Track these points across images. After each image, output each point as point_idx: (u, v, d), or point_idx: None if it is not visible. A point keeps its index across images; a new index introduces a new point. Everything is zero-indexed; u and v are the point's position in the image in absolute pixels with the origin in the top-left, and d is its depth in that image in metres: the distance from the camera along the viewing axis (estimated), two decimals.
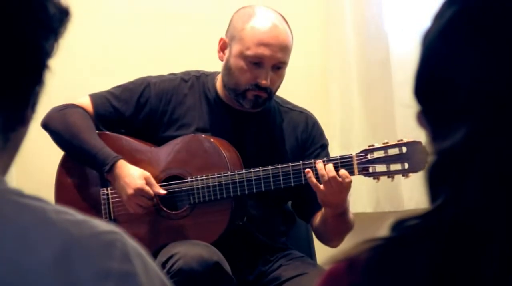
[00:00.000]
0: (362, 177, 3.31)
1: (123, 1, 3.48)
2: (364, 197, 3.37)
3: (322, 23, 3.44)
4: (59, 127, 2.61)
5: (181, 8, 3.45)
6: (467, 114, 0.87)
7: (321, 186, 2.37)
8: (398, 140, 2.43)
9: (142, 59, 3.42)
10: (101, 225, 0.91)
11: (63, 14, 0.94)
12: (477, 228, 0.85)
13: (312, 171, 2.40)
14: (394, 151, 2.42)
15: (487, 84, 0.87)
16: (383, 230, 3.37)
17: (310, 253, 2.82)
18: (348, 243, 3.03)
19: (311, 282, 2.45)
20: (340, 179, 2.36)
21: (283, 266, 2.59)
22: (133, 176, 2.51)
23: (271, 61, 2.50)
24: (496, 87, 0.87)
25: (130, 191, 2.50)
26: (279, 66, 2.52)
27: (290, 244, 2.73)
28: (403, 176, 2.43)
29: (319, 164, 2.39)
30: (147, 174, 2.53)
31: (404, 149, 2.41)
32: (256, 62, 2.50)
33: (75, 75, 3.31)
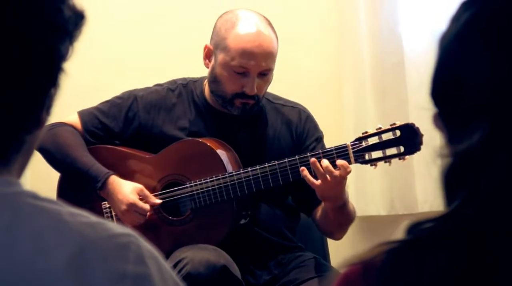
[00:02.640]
0: (375, 180, 3.33)
1: (127, 4, 3.49)
2: (378, 199, 3.36)
3: (336, 26, 3.43)
4: (49, 147, 2.60)
5: (183, 12, 3.46)
6: (484, 117, 0.87)
7: (318, 182, 2.37)
8: (391, 125, 2.42)
9: (148, 62, 3.42)
10: (116, 227, 0.91)
11: (79, 17, 0.95)
12: (494, 230, 0.85)
13: (307, 167, 2.40)
14: (388, 136, 2.41)
15: (503, 87, 0.87)
16: (398, 233, 3.38)
17: (324, 254, 2.82)
18: (363, 246, 3.03)
19: (325, 285, 2.44)
20: (336, 172, 2.35)
21: (297, 269, 2.59)
22: (125, 191, 2.51)
23: (256, 70, 2.48)
24: (511, 91, 0.86)
25: (124, 207, 2.50)
26: (265, 73, 2.51)
27: (304, 246, 2.72)
28: (399, 159, 2.42)
29: (312, 159, 2.39)
30: (140, 186, 2.54)
31: (398, 133, 2.40)
32: (241, 72, 2.49)
33: (86, 77, 3.32)
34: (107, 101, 2.68)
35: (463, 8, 0.92)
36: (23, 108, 0.91)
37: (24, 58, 0.90)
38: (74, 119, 2.67)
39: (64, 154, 2.59)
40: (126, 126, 2.63)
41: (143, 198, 2.53)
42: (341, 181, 2.37)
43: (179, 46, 3.42)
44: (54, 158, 2.62)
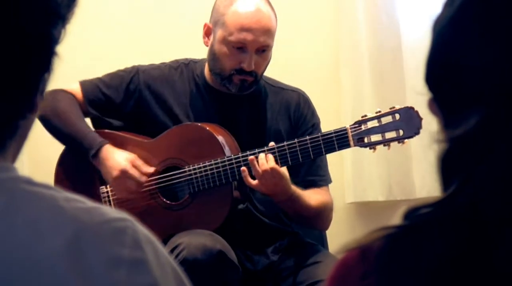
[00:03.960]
0: (373, 166, 3.32)
1: None
2: (376, 185, 3.37)
3: (334, 11, 3.43)
4: (47, 112, 2.61)
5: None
6: (479, 101, 0.87)
7: (254, 182, 2.43)
8: (391, 108, 2.42)
9: (144, 47, 3.41)
10: (112, 212, 0.91)
11: (71, 0, 0.94)
12: (491, 214, 0.85)
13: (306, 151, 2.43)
14: (387, 119, 2.42)
15: (498, 71, 0.86)
16: (395, 219, 3.39)
17: (322, 240, 2.82)
18: (361, 232, 3.04)
19: (323, 271, 2.45)
20: (271, 172, 2.40)
21: (294, 256, 2.59)
22: (117, 158, 2.52)
23: (254, 45, 2.49)
24: (507, 74, 0.86)
25: (115, 173, 2.51)
26: (263, 49, 2.52)
27: (302, 232, 2.73)
28: (398, 142, 2.42)
29: (251, 158, 2.43)
30: (133, 156, 2.54)
31: (397, 116, 2.41)
32: (239, 47, 2.50)
33: (81, 62, 3.31)
34: (109, 73, 2.69)
35: None
36: (17, 93, 0.91)
37: (16, 43, 0.89)
38: (75, 88, 2.68)
39: (61, 119, 2.61)
40: (126, 98, 2.64)
41: (136, 167, 2.53)
42: (277, 182, 2.41)
43: (179, 29, 3.42)
44: (50, 123, 2.62)
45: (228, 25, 2.50)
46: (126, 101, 2.64)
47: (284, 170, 2.43)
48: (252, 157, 2.42)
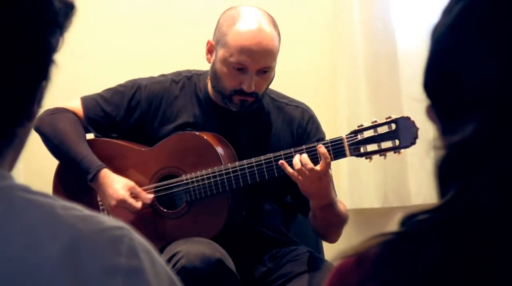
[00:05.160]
0: (369, 173, 3.33)
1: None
2: (372, 192, 3.37)
3: (330, 19, 3.43)
4: (48, 132, 2.61)
5: (181, 8, 3.45)
6: (477, 108, 0.87)
7: (298, 176, 2.38)
8: (387, 118, 2.42)
9: (143, 57, 3.41)
10: (109, 220, 0.91)
11: (69, 8, 0.94)
12: (488, 221, 0.85)
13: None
14: (384, 129, 2.41)
15: (496, 78, 0.87)
16: (391, 226, 3.39)
17: (317, 248, 2.82)
18: (356, 239, 3.03)
19: (319, 278, 2.44)
20: (312, 165, 2.35)
21: (291, 262, 2.59)
22: (116, 186, 2.51)
23: (254, 67, 2.47)
24: (505, 82, 0.86)
25: (113, 202, 2.51)
26: (264, 71, 2.50)
27: (298, 240, 2.72)
28: (395, 152, 2.42)
29: (296, 155, 2.39)
30: (131, 184, 2.54)
31: (394, 126, 2.40)
32: (239, 68, 2.48)
33: (79, 70, 3.31)
34: (110, 89, 2.68)
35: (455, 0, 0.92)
36: (14, 101, 0.91)
37: (14, 51, 0.89)
38: (76, 106, 2.67)
39: (61, 140, 2.59)
40: (127, 115, 2.62)
41: (134, 195, 2.52)
42: (320, 175, 2.36)
43: (182, 42, 3.42)
44: (51, 143, 2.62)
45: (229, 46, 2.47)
46: (127, 118, 2.63)
47: (325, 170, 2.37)
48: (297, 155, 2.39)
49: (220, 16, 2.57)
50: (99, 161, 2.55)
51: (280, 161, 2.41)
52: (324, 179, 2.38)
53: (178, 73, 2.69)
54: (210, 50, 2.56)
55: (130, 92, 2.63)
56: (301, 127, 2.62)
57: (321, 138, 2.61)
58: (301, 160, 2.37)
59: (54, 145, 2.61)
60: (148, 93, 2.63)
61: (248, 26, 2.48)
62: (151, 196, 2.55)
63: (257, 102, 2.54)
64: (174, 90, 2.63)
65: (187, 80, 2.65)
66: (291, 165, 2.40)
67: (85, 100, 2.67)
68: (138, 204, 2.52)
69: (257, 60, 2.46)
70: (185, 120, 2.60)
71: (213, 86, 2.57)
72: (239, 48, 2.46)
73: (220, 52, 2.50)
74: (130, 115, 2.62)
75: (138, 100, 2.62)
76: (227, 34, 2.48)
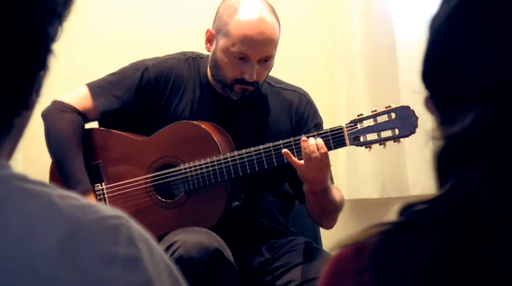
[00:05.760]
0: (367, 163, 3.33)
1: None
2: (370, 182, 3.37)
3: (328, 10, 3.43)
4: (51, 130, 2.61)
5: None
6: (476, 99, 0.87)
7: (300, 162, 2.38)
8: (386, 107, 2.42)
9: (144, 46, 3.41)
10: (106, 209, 0.91)
11: None
12: (487, 212, 0.85)
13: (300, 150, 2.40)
14: (383, 118, 2.42)
15: (494, 69, 0.87)
16: (389, 216, 3.39)
17: (315, 238, 2.82)
18: (354, 229, 3.04)
19: (318, 268, 2.45)
20: (318, 154, 2.35)
21: (289, 253, 2.59)
22: None
23: (256, 57, 2.48)
24: (504, 72, 0.86)
25: None
26: (266, 59, 2.51)
27: (296, 230, 2.73)
28: (394, 141, 2.43)
29: (303, 138, 2.39)
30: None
31: (393, 115, 2.41)
32: (241, 57, 2.48)
33: (78, 59, 3.31)
34: (116, 73, 2.66)
35: None
36: (12, 91, 0.90)
37: (11, 41, 0.89)
38: (84, 96, 2.64)
39: (59, 145, 2.60)
40: (138, 97, 2.61)
41: None
42: (323, 166, 2.36)
43: (177, 29, 3.42)
44: (50, 143, 2.62)
45: (231, 36, 2.48)
46: (138, 100, 2.61)
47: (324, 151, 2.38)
48: (304, 138, 2.39)
49: (220, 5, 2.57)
50: (88, 183, 2.54)
51: (284, 150, 2.40)
52: (323, 170, 2.38)
53: (183, 53, 2.69)
54: (210, 39, 2.56)
55: (137, 74, 2.62)
56: (299, 112, 2.63)
57: (318, 123, 2.63)
58: (317, 143, 2.37)
59: (51, 146, 2.61)
60: (156, 73, 2.62)
61: (249, 15, 2.48)
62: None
63: (257, 91, 2.54)
64: (182, 69, 2.63)
65: (192, 61, 2.65)
66: (292, 154, 2.40)
67: (95, 91, 2.64)
68: None
69: (259, 49, 2.47)
70: (188, 101, 2.60)
71: (213, 75, 2.57)
72: (241, 38, 2.46)
73: (221, 42, 2.50)
74: (141, 97, 2.61)
75: (147, 80, 2.61)
76: (228, 23, 2.48)
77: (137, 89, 2.61)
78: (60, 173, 2.58)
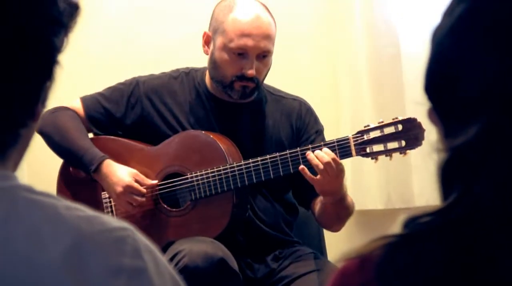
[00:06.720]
0: (372, 174, 3.32)
1: None
2: (375, 193, 3.37)
3: (332, 20, 3.43)
4: (49, 130, 2.62)
5: (182, 5, 3.46)
6: (479, 111, 0.87)
7: (317, 177, 2.37)
8: (393, 119, 2.42)
9: (144, 55, 3.42)
10: (112, 221, 0.91)
11: (73, 9, 0.94)
12: (490, 224, 0.85)
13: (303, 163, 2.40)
14: (390, 130, 2.42)
15: (498, 81, 0.86)
16: (394, 227, 3.38)
17: (320, 249, 2.82)
18: (359, 240, 3.03)
19: (322, 279, 2.44)
20: (333, 164, 2.35)
21: (294, 264, 2.59)
22: (120, 174, 2.52)
23: (255, 51, 2.49)
24: (506, 85, 0.86)
25: (119, 189, 2.51)
26: (264, 55, 2.52)
27: (301, 240, 2.72)
28: (400, 153, 2.42)
29: (310, 155, 2.38)
30: (134, 171, 2.55)
31: (400, 127, 2.41)
32: (240, 53, 2.50)
33: (82, 71, 3.31)
34: (109, 87, 2.70)
35: (456, 1, 0.92)
36: (19, 101, 0.91)
37: (18, 52, 0.89)
38: (76, 105, 2.68)
39: (62, 136, 2.61)
40: (128, 111, 2.64)
41: (138, 181, 2.53)
42: (339, 172, 2.37)
43: (178, 38, 3.42)
44: (52, 140, 2.63)
45: (228, 32, 2.50)
46: (127, 114, 2.64)
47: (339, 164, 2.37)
48: (309, 152, 2.39)
49: (215, 8, 2.60)
50: (101, 153, 2.56)
51: (301, 166, 2.40)
52: (340, 176, 2.38)
53: (176, 70, 2.71)
54: (207, 41, 2.58)
55: (129, 89, 2.65)
56: (300, 119, 2.63)
57: (319, 129, 2.64)
58: (321, 158, 2.36)
59: (55, 142, 2.62)
60: (147, 88, 2.64)
61: (245, 12, 2.52)
62: (155, 181, 2.56)
63: (257, 88, 2.55)
64: (173, 84, 2.65)
65: (185, 76, 2.67)
66: (298, 164, 2.41)
67: (85, 100, 2.68)
68: (143, 189, 2.53)
69: (258, 43, 2.49)
70: (185, 114, 2.61)
71: (212, 77, 2.58)
72: (239, 33, 2.48)
73: (219, 40, 2.52)
74: (130, 111, 2.63)
75: (137, 96, 2.63)
76: (224, 21, 2.51)
77: (127, 104, 2.63)
78: (72, 159, 2.60)
